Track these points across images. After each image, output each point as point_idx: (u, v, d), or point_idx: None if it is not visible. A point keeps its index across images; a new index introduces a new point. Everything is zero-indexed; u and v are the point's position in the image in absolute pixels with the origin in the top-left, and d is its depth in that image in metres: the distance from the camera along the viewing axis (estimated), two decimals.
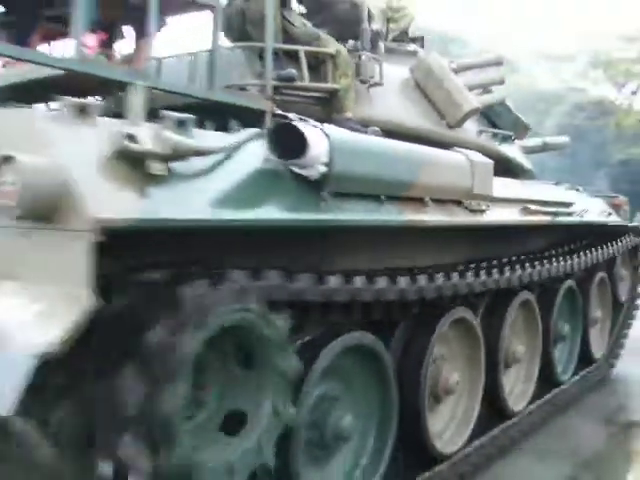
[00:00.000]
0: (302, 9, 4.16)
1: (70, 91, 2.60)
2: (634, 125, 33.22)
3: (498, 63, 4.78)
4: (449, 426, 3.80)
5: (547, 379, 4.92)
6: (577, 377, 5.47)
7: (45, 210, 1.79)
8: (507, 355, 4.31)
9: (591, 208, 5.45)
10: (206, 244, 2.23)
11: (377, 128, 3.37)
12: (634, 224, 6.42)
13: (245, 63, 3.54)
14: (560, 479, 3.99)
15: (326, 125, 2.59)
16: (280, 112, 3.27)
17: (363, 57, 3.80)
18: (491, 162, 3.68)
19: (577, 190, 5.51)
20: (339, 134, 2.61)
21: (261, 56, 3.49)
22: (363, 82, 3.81)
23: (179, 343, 1.93)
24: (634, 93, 36.12)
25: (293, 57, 3.60)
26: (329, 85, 3.59)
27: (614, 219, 5.84)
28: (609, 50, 35.17)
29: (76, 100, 1.98)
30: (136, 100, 2.06)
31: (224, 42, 3.76)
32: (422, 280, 3.14)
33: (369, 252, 3.07)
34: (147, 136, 1.98)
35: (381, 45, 4.14)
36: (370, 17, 4.03)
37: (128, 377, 1.91)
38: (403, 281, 3.02)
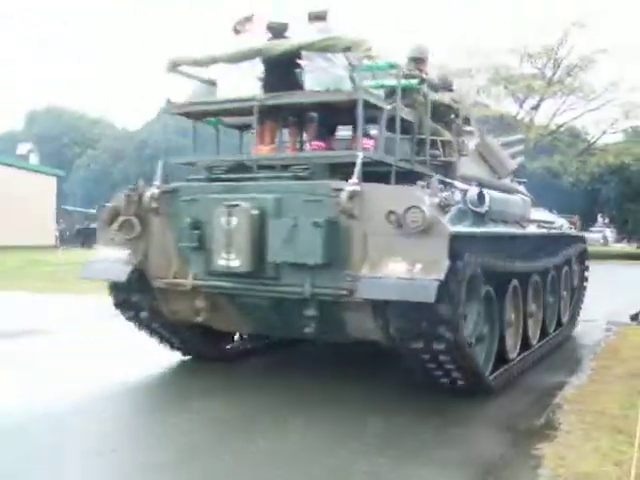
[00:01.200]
0: None
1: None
2: (535, 139, 36.57)
3: (522, 141, 8.33)
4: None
5: (542, 331, 8.42)
6: (556, 332, 9.04)
7: (427, 229, 4.99)
8: (527, 313, 7.73)
9: (563, 224, 9.06)
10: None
11: (476, 182, 6.73)
12: (582, 234, 10.21)
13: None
14: None
15: (487, 189, 5.95)
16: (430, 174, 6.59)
17: (460, 140, 7.16)
18: (529, 200, 7.13)
19: (553, 212, 9.12)
20: (492, 193, 5.95)
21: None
22: (460, 154, 7.16)
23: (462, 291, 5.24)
24: (535, 108, 39.63)
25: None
26: (450, 158, 6.93)
27: (575, 232, 9.54)
28: (509, 67, 38.21)
29: (421, 182, 5.21)
30: (434, 185, 5.30)
31: None
32: (514, 260, 6.53)
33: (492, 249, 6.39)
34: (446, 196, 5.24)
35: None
36: (458, 113, 7.39)
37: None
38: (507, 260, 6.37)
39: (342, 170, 5.73)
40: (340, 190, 5.26)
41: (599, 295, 12.48)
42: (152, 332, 7.01)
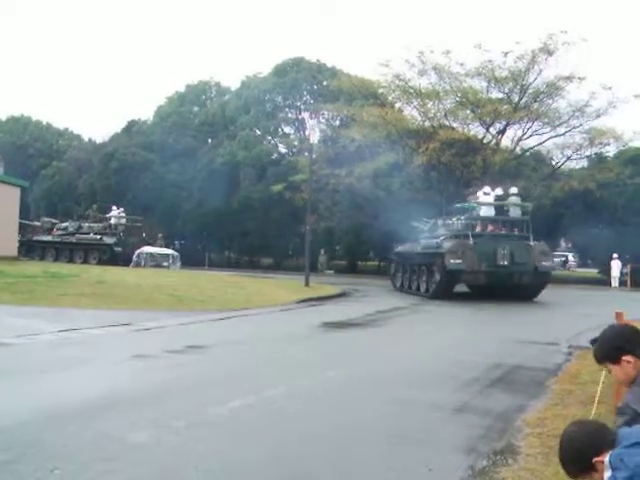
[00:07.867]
0: None
1: None
2: (500, 162, 42.31)
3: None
4: None
5: None
6: None
7: (549, 253, 28.06)
8: None
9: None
10: None
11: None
12: None
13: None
14: None
15: None
16: None
17: None
18: None
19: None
20: None
21: None
22: None
23: None
24: (501, 132, 44.84)
25: None
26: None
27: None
28: (477, 90, 43.09)
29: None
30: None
31: None
32: None
33: None
34: None
35: None
36: None
37: None
38: None
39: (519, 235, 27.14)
40: (530, 245, 26.35)
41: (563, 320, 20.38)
42: (445, 288, 26.75)
